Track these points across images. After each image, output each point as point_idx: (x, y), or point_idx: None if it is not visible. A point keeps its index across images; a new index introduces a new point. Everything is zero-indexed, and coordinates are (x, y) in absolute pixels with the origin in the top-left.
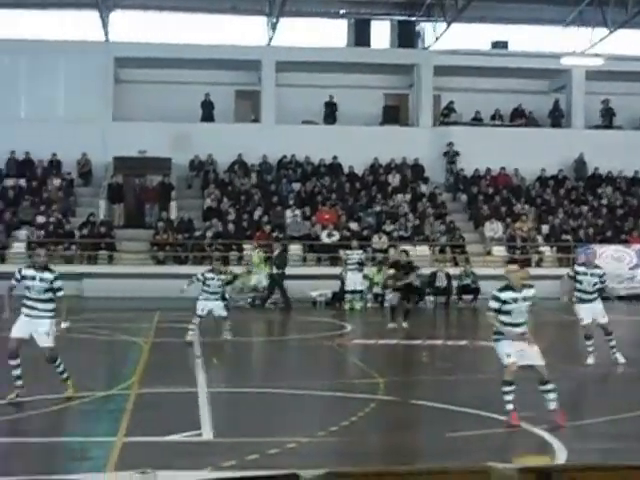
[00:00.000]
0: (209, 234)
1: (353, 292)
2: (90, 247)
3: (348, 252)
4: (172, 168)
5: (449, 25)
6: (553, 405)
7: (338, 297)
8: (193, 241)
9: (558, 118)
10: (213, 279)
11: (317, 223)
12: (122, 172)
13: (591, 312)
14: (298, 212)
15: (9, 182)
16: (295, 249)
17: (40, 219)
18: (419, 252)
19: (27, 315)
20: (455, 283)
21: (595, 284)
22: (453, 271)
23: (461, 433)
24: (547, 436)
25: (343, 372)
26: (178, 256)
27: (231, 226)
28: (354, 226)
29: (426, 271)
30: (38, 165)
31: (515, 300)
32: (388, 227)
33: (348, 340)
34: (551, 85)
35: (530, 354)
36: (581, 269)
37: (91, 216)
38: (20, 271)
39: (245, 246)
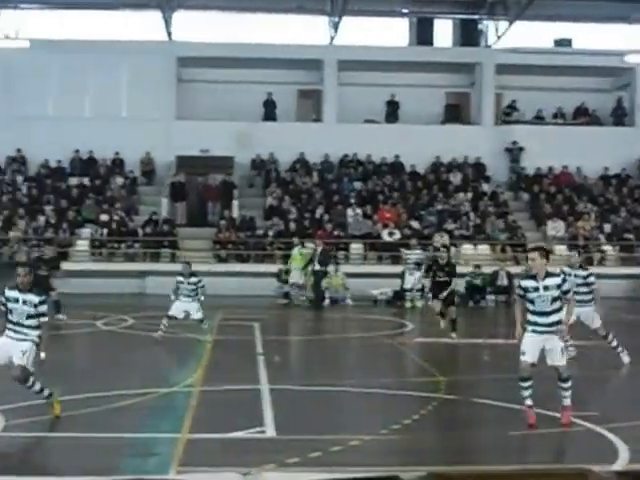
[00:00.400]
0: (271, 233)
1: (412, 290)
2: (153, 245)
3: (407, 252)
4: (234, 167)
5: (511, 23)
6: (567, 402)
7: (399, 295)
8: (255, 239)
9: (621, 116)
10: (182, 283)
11: (378, 222)
12: (185, 171)
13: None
14: (359, 211)
15: (73, 181)
16: (356, 248)
17: (103, 217)
18: (480, 251)
19: (8, 337)
20: (516, 282)
21: (579, 285)
22: (514, 270)
23: (523, 432)
24: (610, 436)
25: (404, 370)
26: (240, 254)
27: (292, 225)
28: (415, 225)
29: (487, 270)
30: (101, 164)
31: (536, 289)
32: (449, 226)
33: (409, 338)
34: (614, 83)
35: (553, 352)
36: (566, 269)
37: (154, 214)
38: (4, 292)
39: (308, 244)
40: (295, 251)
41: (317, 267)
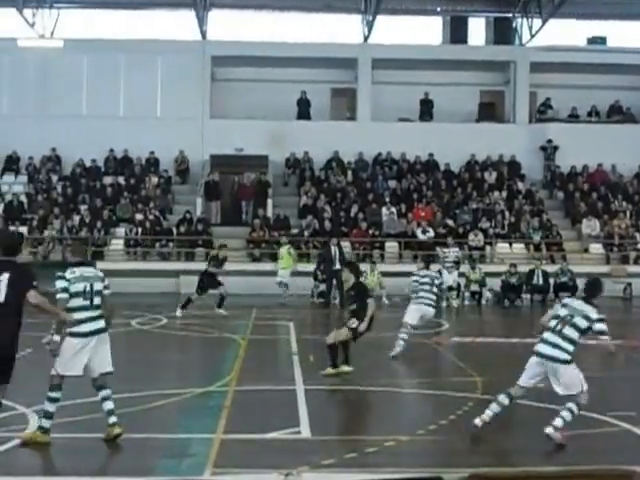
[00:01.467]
0: (306, 232)
1: (449, 289)
2: (187, 244)
3: (445, 250)
4: (268, 165)
5: (545, 21)
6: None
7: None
8: (289, 238)
9: None
10: None
11: (413, 220)
12: (219, 170)
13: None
14: (394, 209)
15: (107, 180)
16: (391, 246)
17: (138, 217)
18: (515, 250)
19: None
20: (552, 281)
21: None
22: (550, 269)
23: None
24: None
25: (441, 370)
26: (274, 253)
27: (327, 223)
28: (450, 223)
29: (523, 269)
30: (136, 163)
31: None
32: (484, 224)
33: (446, 338)
34: None
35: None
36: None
37: (188, 213)
38: None
39: (344, 243)
40: (283, 250)
41: (337, 266)
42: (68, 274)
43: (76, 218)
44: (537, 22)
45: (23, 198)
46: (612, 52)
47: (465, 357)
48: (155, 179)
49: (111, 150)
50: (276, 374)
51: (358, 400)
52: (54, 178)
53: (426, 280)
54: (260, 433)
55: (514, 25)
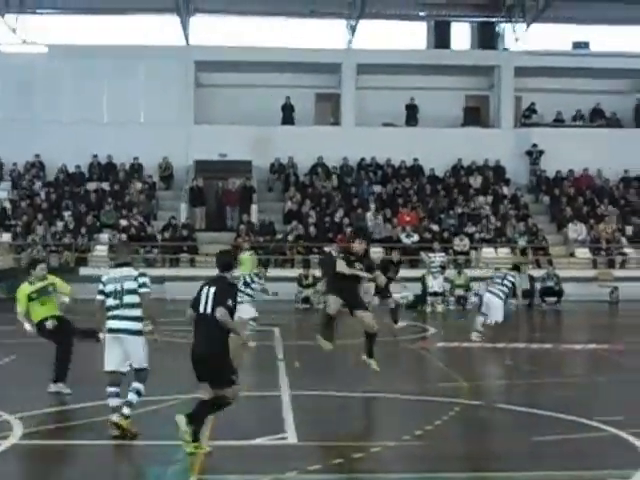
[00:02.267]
0: (290, 237)
1: (435, 294)
2: (172, 250)
3: (430, 255)
4: (253, 171)
5: (529, 26)
6: None
7: (420, 299)
8: (274, 244)
9: None
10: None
11: (398, 225)
12: (203, 175)
13: None
14: (379, 214)
15: (91, 186)
16: (376, 252)
17: (122, 222)
18: (501, 254)
19: None
20: (538, 285)
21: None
22: (536, 273)
23: (547, 437)
24: (634, 440)
25: (426, 375)
26: (259, 259)
27: (312, 229)
28: (435, 228)
29: None
30: (120, 169)
31: None
32: (469, 229)
33: (431, 343)
34: (634, 85)
35: None
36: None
37: (172, 219)
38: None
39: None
40: (244, 256)
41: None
42: (104, 277)
43: (60, 224)
44: (521, 27)
45: (7, 204)
46: (595, 56)
47: (451, 362)
48: (139, 185)
49: (95, 156)
50: (262, 380)
51: (344, 406)
52: (38, 184)
53: (498, 278)
54: (246, 439)
55: (498, 30)
